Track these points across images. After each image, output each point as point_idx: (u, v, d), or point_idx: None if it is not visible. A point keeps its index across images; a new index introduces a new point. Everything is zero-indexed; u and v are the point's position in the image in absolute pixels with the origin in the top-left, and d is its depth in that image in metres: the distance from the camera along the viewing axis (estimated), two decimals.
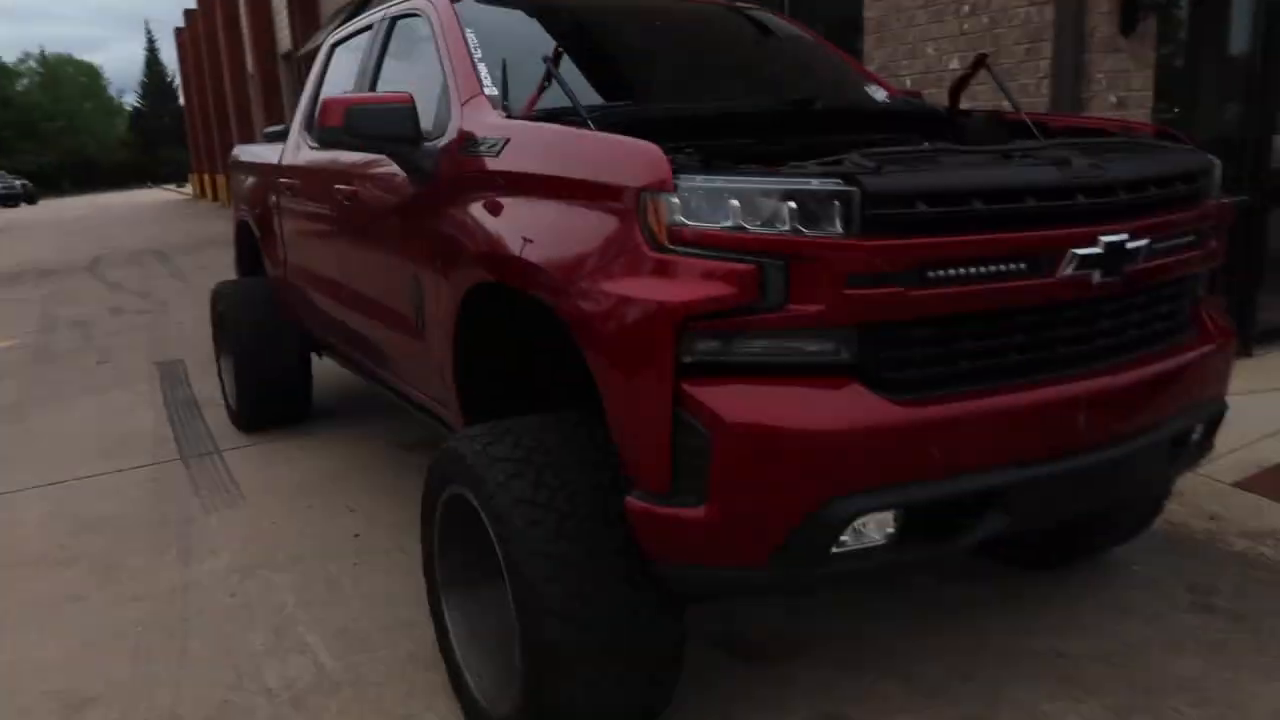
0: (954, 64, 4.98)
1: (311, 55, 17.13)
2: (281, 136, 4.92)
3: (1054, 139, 2.92)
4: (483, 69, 2.99)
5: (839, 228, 1.91)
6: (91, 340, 8.78)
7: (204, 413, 5.89)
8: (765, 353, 1.97)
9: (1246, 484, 3.88)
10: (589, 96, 2.93)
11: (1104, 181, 2.12)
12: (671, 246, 1.96)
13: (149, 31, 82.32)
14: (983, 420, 2.02)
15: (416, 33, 3.48)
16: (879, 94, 3.62)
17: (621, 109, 2.65)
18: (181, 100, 61.02)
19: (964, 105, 3.25)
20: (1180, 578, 3.21)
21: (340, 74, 4.35)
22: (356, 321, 3.84)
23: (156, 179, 63.00)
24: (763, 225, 1.92)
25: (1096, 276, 2.10)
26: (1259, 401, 4.40)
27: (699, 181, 1.96)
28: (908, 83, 5.11)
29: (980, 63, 3.12)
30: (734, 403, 1.92)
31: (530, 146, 2.46)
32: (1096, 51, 4.33)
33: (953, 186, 1.98)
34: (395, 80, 3.59)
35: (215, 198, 34.59)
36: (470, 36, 3.12)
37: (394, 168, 3.16)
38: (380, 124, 2.90)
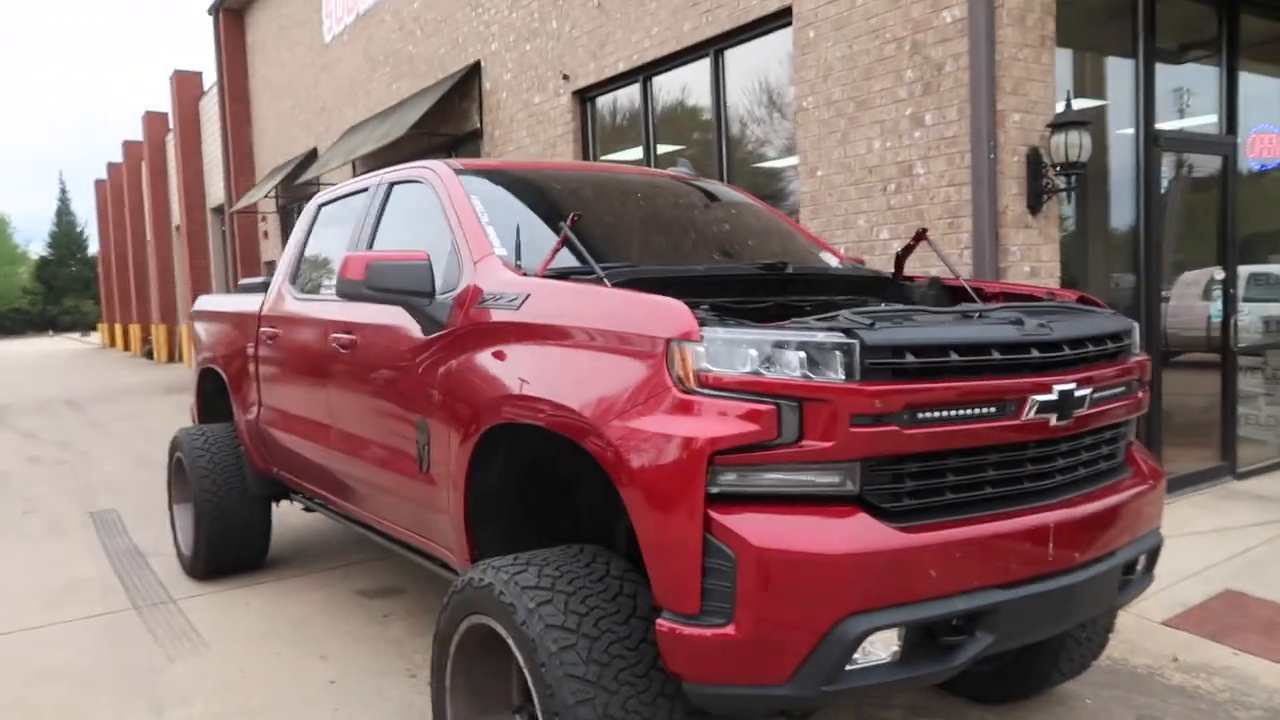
0: (884, 234, 5.56)
1: (248, 210, 17.49)
2: (260, 288, 5.12)
3: (992, 303, 3.37)
4: (490, 232, 3.30)
5: (841, 374, 2.23)
6: (12, 490, 8.49)
7: (150, 562, 5.77)
8: (780, 484, 2.24)
9: (1175, 622, 4.23)
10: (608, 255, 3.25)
11: (1052, 339, 2.51)
12: (698, 389, 2.24)
13: (62, 182, 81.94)
14: (970, 545, 2.30)
15: (418, 197, 3.80)
16: (831, 260, 4.07)
17: (625, 270, 2.98)
18: (92, 250, 60.38)
19: (907, 271, 3.70)
20: (1130, 710, 3.46)
21: (329, 232, 4.63)
22: (346, 464, 3.96)
23: (58, 328, 61.30)
24: (777, 371, 2.23)
25: (1053, 419, 2.46)
26: (1175, 546, 4.81)
27: (720, 333, 2.27)
28: (843, 250, 5.65)
29: (921, 236, 3.59)
30: (758, 528, 2.17)
31: (554, 301, 2.75)
32: (1010, 227, 4.93)
33: (933, 340, 2.34)
34: (395, 239, 3.88)
35: (127, 347, 33.86)
36: (476, 203, 3.45)
37: (400, 318, 3.41)
38: (400, 279, 3.16)
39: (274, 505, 5.33)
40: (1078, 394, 2.51)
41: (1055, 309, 2.90)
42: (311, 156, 14.86)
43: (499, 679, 2.67)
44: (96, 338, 47.55)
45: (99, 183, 37.79)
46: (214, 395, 5.66)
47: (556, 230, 3.57)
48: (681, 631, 2.21)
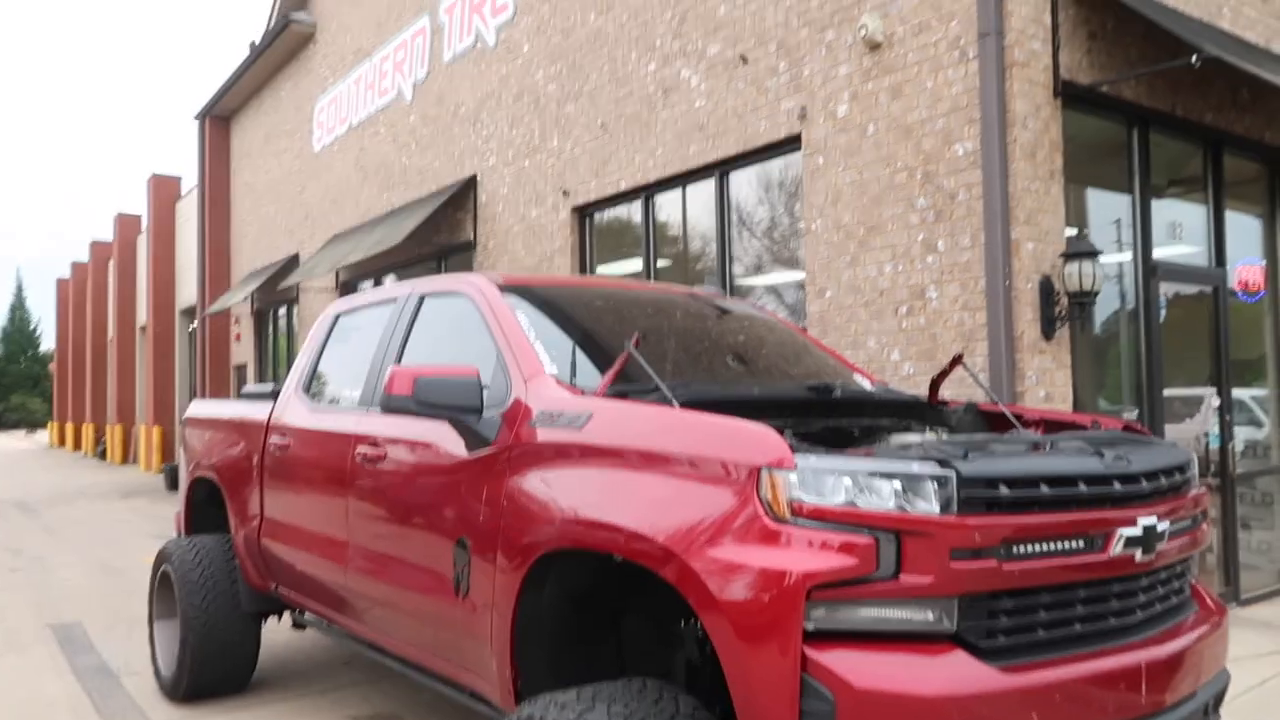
0: (894, 355, 5.61)
1: (222, 314, 17.32)
2: (267, 396, 4.99)
3: (1033, 430, 3.37)
4: (539, 348, 3.26)
5: (937, 506, 2.18)
6: None
7: (124, 681, 5.42)
8: (875, 621, 2.15)
9: None
10: (635, 374, 3.21)
11: (1131, 471, 2.49)
12: (791, 518, 2.17)
13: (19, 279, 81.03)
14: (1070, 687, 2.21)
15: (455, 312, 3.76)
16: (864, 382, 4.07)
17: (688, 390, 2.93)
18: (44, 347, 59.20)
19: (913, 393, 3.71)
20: None
21: (348, 342, 4.55)
22: (363, 583, 3.78)
23: (3, 425, 59.56)
24: (872, 502, 2.17)
25: (1138, 554, 2.42)
26: None
27: (813, 461, 2.22)
28: None
29: (958, 360, 3.61)
30: (858, 668, 2.07)
31: (624, 422, 2.69)
32: (1025, 352, 5.01)
33: (1026, 472, 2.30)
34: (426, 353, 3.82)
35: (78, 446, 32.88)
36: (522, 319, 3.41)
37: (438, 433, 3.31)
38: (448, 394, 3.08)
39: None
40: (1159, 528, 2.48)
41: (1113, 439, 2.90)
42: (293, 262, 14.84)
43: None
44: (44, 436, 46.15)
45: (61, 281, 37.42)
46: (204, 505, 5.44)
47: (603, 347, 3.55)
48: None
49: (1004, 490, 2.25)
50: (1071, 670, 2.25)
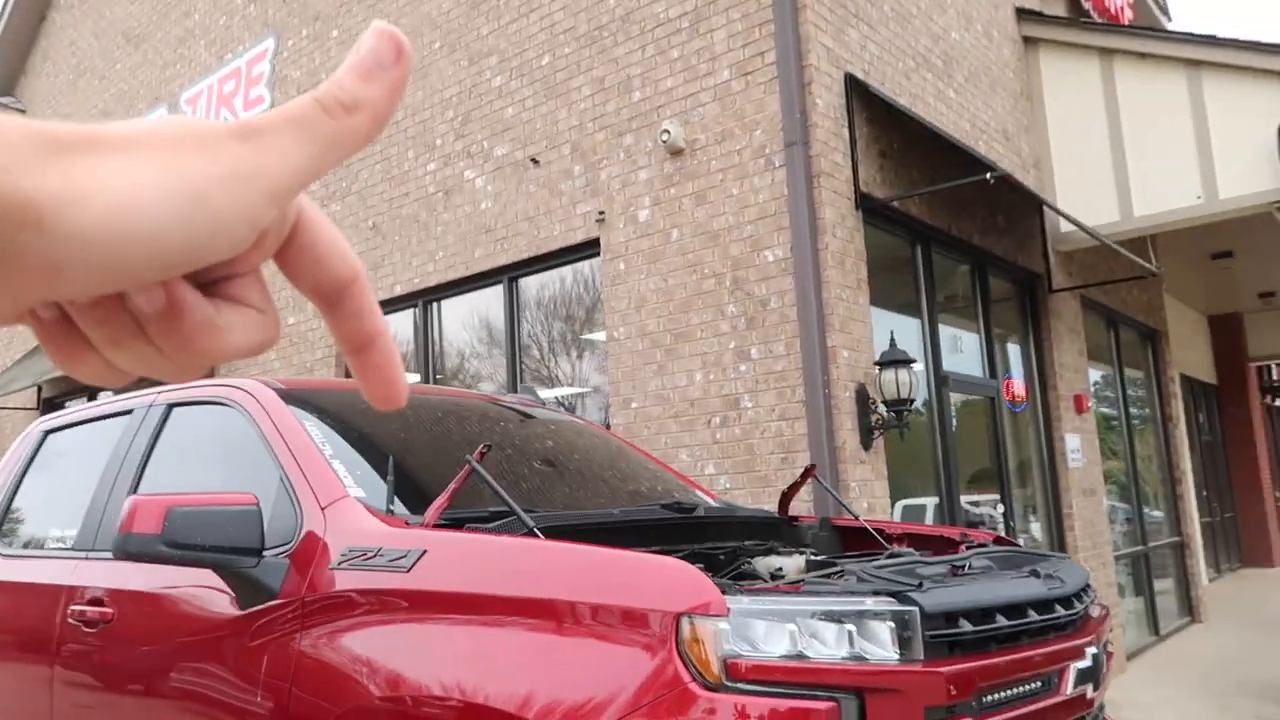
0: (709, 469, 5.26)
1: None
2: None
3: (896, 545, 3.06)
4: (339, 467, 2.55)
5: (894, 652, 1.73)
6: None
7: None
8: None
9: None
10: (463, 499, 2.58)
11: (1067, 593, 2.18)
12: (730, 684, 1.63)
13: None
14: None
15: (215, 426, 2.96)
16: (706, 498, 3.64)
17: (542, 515, 2.34)
18: None
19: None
20: None
21: (59, 469, 3.55)
22: None
23: None
24: (823, 652, 1.68)
25: (1089, 690, 2.08)
26: None
27: (746, 603, 1.70)
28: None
29: (809, 473, 3.29)
30: None
31: (472, 560, 2.05)
32: (848, 463, 4.82)
33: (982, 602, 1.91)
34: (174, 480, 2.97)
35: None
36: (313, 431, 2.69)
37: (191, 582, 2.49)
38: (216, 531, 2.29)
39: None
40: (1100, 656, 2.17)
41: (1019, 558, 2.61)
42: None
43: None
44: None
45: None
46: None
47: (420, 465, 2.90)
48: None
49: (965, 625, 1.84)
50: None
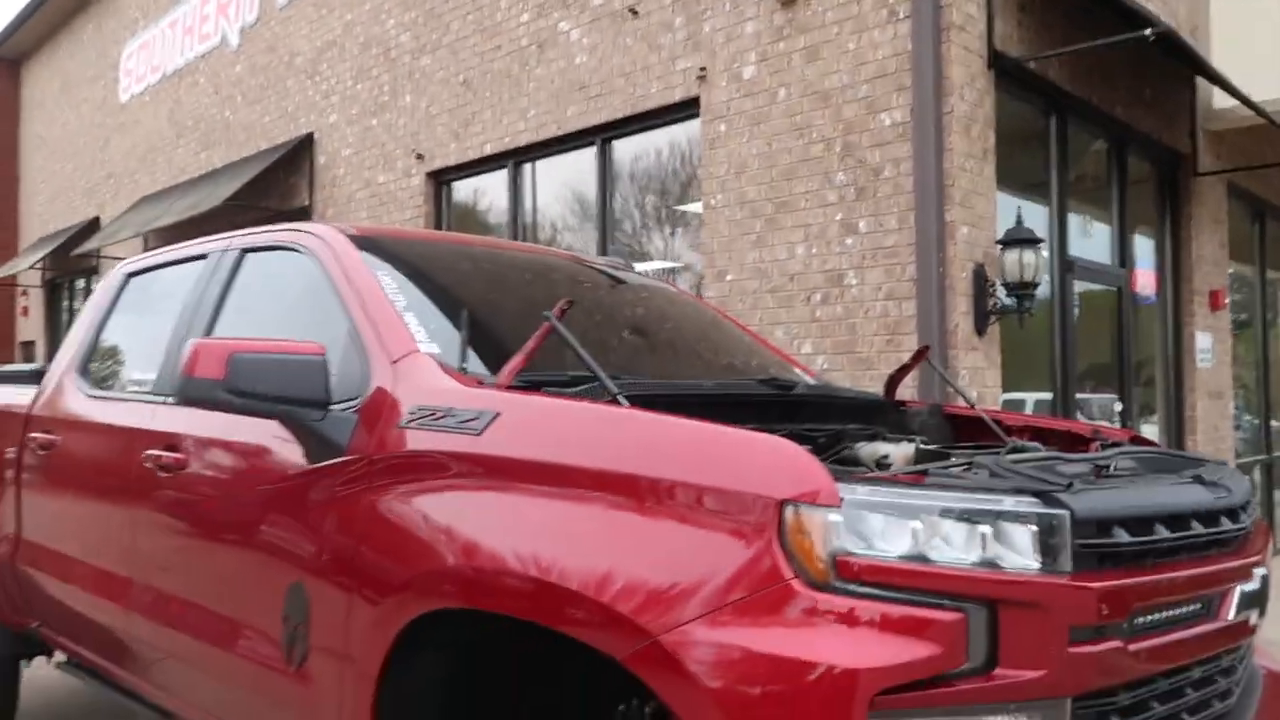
0: (807, 348, 4.97)
1: (6, 282, 15.07)
2: (28, 378, 3.81)
3: (1019, 438, 2.77)
4: (411, 320, 2.36)
5: (1037, 561, 1.46)
6: None
7: None
8: None
9: None
10: (543, 361, 2.37)
11: (1234, 504, 1.86)
12: (838, 582, 1.40)
13: None
14: None
15: (289, 272, 2.79)
16: (804, 375, 3.37)
17: (629, 383, 2.11)
18: None
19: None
20: None
21: (142, 311, 3.47)
22: (151, 632, 2.76)
23: None
24: (950, 556, 1.43)
25: (1254, 617, 1.79)
26: None
27: (863, 493, 1.45)
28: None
29: (921, 355, 3.01)
30: None
31: (552, 426, 1.84)
32: (960, 348, 4.47)
33: (1143, 509, 1.62)
34: (248, 325, 2.83)
35: None
36: (386, 281, 2.49)
37: (264, 433, 2.37)
38: (280, 380, 2.15)
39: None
40: (1266, 579, 1.87)
41: (1164, 457, 2.29)
42: (93, 226, 12.96)
43: None
44: None
45: None
46: None
47: (496, 322, 2.70)
48: None
49: (1123, 536, 1.55)
50: None
